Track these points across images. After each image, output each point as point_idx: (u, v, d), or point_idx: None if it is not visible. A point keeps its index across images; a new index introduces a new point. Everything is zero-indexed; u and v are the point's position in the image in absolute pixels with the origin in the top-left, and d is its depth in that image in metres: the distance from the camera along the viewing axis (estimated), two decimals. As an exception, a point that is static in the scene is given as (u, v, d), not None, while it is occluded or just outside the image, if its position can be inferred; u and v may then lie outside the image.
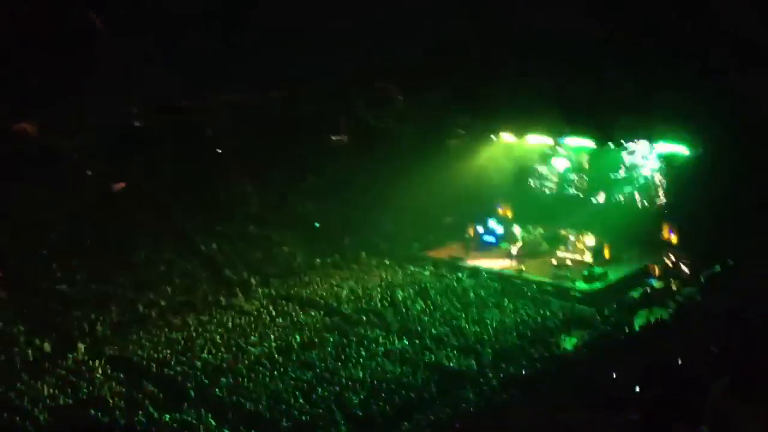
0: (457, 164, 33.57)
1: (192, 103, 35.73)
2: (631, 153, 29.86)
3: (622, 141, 29.76)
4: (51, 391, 20.84)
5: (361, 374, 21.36)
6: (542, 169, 33.59)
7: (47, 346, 23.59)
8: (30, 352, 23.13)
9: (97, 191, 32.32)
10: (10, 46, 32.59)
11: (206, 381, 21.30)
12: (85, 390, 20.91)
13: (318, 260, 31.14)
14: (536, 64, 29.86)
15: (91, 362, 22.73)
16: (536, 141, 32.62)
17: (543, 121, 31.05)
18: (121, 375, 21.95)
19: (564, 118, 30.37)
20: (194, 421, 19.26)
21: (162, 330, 25.15)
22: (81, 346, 23.72)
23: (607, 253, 29.34)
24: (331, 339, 23.84)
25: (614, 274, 28.06)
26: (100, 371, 22.12)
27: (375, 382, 20.93)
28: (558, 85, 30.15)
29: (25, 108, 33.34)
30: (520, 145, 33.38)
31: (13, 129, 32.95)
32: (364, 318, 25.30)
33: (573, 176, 32.74)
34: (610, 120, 29.36)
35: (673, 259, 27.64)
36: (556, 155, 32.91)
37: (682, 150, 28.44)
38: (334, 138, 36.72)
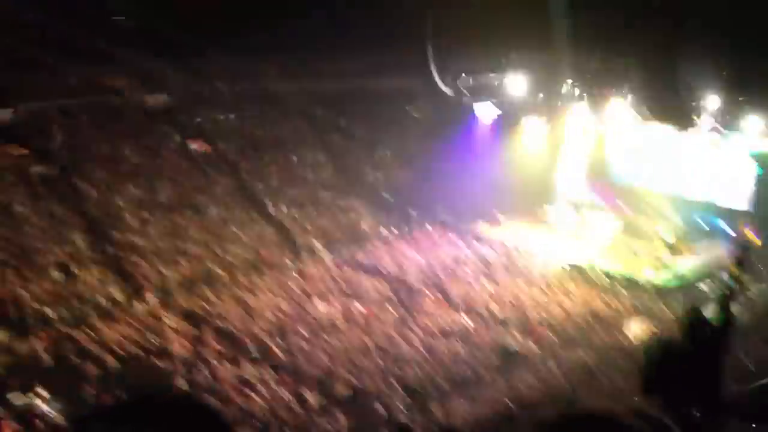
0: (531, 142, 33.04)
1: (270, 67, 36.00)
2: (717, 145, 28.68)
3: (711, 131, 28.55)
4: (118, 337, 21.55)
5: (420, 347, 21.42)
6: (619, 153, 32.64)
7: (118, 294, 24.33)
8: (102, 298, 23.88)
9: (175, 148, 32.97)
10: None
11: (267, 340, 21.69)
12: (151, 340, 21.56)
13: (384, 230, 31.18)
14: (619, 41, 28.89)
15: (159, 313, 23.40)
16: (613, 123, 31.67)
17: (623, 101, 30.16)
18: (187, 328, 22.53)
19: (645, 99, 29.45)
20: (253, 380, 19.70)
21: (229, 287, 25.68)
22: (150, 297, 24.40)
23: (681, 246, 28.51)
24: (393, 309, 23.93)
25: (685, 266, 27.29)
26: (167, 323, 22.75)
27: (434, 355, 20.98)
28: (642, 66, 29.26)
29: (114, 64, 34.14)
30: (598, 127, 32.49)
31: (99, 82, 33.81)
32: (427, 291, 25.27)
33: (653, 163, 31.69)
34: (699, 108, 28.32)
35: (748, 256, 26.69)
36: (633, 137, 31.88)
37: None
38: (408, 108, 36.52)
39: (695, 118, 28.55)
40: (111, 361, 20.17)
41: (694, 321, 5.53)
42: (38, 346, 20.92)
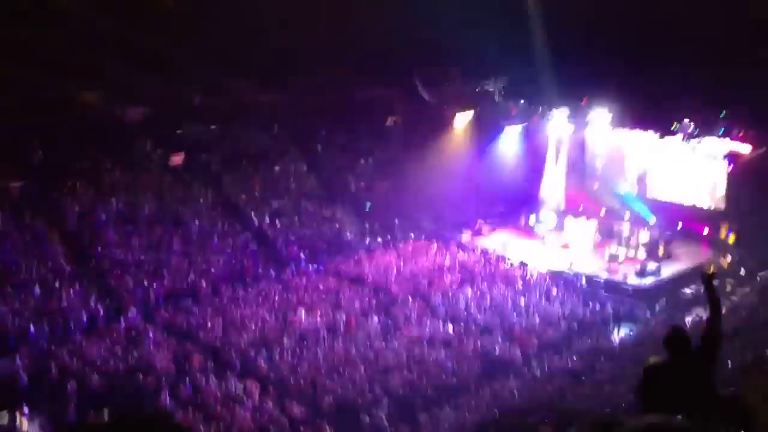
0: (511, 151, 33.27)
1: (249, 82, 36.00)
2: (694, 149, 29.00)
3: (687, 135, 28.84)
4: (102, 353, 21.42)
5: (405, 356, 21.44)
6: (598, 159, 32.87)
7: (101, 310, 24.18)
8: (84, 314, 23.72)
9: (156, 162, 32.87)
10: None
11: (252, 353, 21.63)
12: (135, 354, 21.43)
13: (367, 239, 31.23)
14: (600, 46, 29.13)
15: (142, 328, 23.28)
16: (593, 130, 31.95)
17: (602, 110, 30.48)
18: (171, 343, 22.42)
19: (625, 108, 29.78)
20: (238, 392, 19.64)
21: (212, 300, 25.59)
22: (133, 311, 24.27)
23: (661, 250, 28.74)
24: (377, 318, 23.95)
25: (667, 271, 27.50)
26: (150, 337, 22.62)
27: (419, 364, 21.01)
28: (621, 74, 29.57)
29: (90, 78, 33.98)
30: (576, 135, 32.75)
31: (77, 99, 33.64)
32: (411, 300, 25.31)
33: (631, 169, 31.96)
34: (675, 113, 28.65)
35: (729, 259, 26.98)
36: (614, 146, 32.16)
37: (746, 148, 27.62)
38: (389, 119, 36.63)
39: (673, 123, 28.88)
40: (94, 377, 20.02)
41: (676, 339, 5.62)
42: (20, 363, 20.76)
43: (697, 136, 28.46)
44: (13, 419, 17.81)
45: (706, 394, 5.40)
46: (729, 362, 17.25)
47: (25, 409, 18.12)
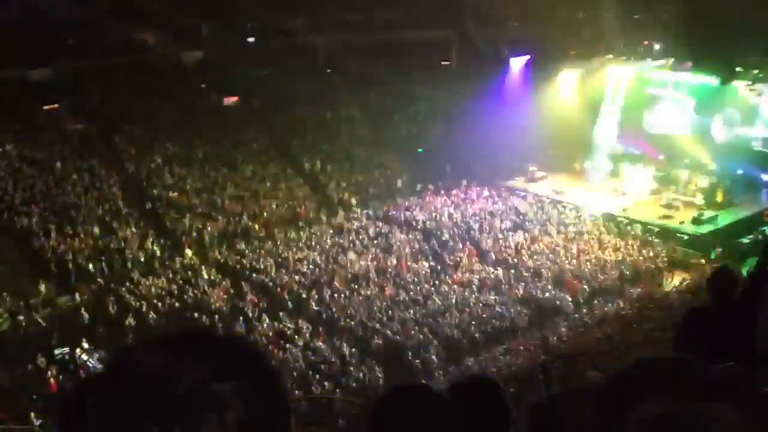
0: (566, 95, 32.56)
1: (305, 23, 35.76)
2: (759, 94, 27.95)
3: (749, 80, 27.79)
4: (159, 291, 21.99)
5: (454, 300, 21.48)
6: (658, 103, 31.94)
7: (158, 249, 24.75)
8: (141, 253, 24.32)
9: (210, 104, 33.15)
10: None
11: (303, 294, 21.93)
12: (189, 293, 21.94)
13: (419, 185, 31.13)
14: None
15: (197, 267, 23.79)
16: (653, 76, 31.03)
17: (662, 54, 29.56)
18: (225, 282, 22.88)
19: (687, 52, 28.80)
20: (290, 332, 19.99)
21: (264, 242, 25.96)
22: (189, 252, 24.79)
23: (720, 197, 27.98)
24: (426, 263, 23.99)
25: (725, 219, 26.80)
26: (205, 276, 23.12)
27: (468, 308, 21.04)
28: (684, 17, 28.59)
29: (145, 20, 34.17)
30: (635, 79, 31.82)
31: (134, 39, 33.93)
32: (461, 245, 25.26)
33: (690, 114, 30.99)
34: (737, 55, 27.60)
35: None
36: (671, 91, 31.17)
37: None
38: (443, 63, 36.11)
39: (737, 68, 27.88)
40: (150, 314, 20.62)
41: (722, 279, 5.41)
42: (80, 300, 21.49)
43: (762, 80, 27.45)
44: (73, 354, 18.47)
45: (746, 346, 5.22)
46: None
47: (85, 344, 18.75)
